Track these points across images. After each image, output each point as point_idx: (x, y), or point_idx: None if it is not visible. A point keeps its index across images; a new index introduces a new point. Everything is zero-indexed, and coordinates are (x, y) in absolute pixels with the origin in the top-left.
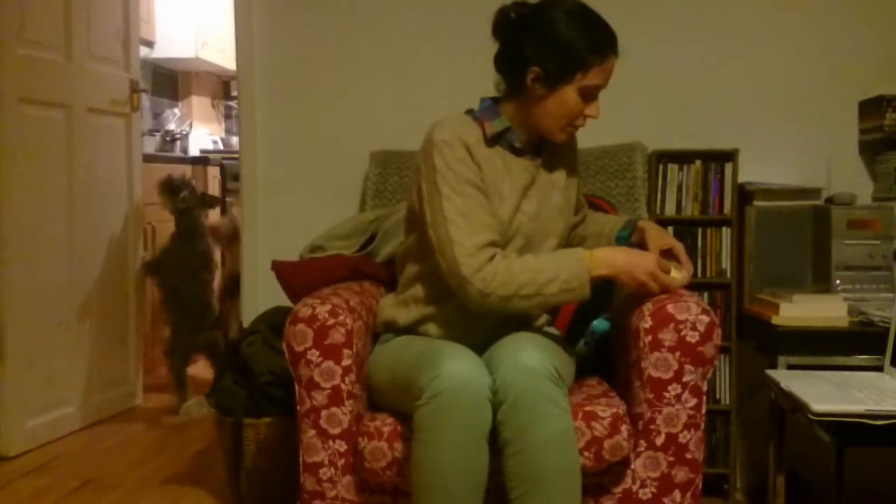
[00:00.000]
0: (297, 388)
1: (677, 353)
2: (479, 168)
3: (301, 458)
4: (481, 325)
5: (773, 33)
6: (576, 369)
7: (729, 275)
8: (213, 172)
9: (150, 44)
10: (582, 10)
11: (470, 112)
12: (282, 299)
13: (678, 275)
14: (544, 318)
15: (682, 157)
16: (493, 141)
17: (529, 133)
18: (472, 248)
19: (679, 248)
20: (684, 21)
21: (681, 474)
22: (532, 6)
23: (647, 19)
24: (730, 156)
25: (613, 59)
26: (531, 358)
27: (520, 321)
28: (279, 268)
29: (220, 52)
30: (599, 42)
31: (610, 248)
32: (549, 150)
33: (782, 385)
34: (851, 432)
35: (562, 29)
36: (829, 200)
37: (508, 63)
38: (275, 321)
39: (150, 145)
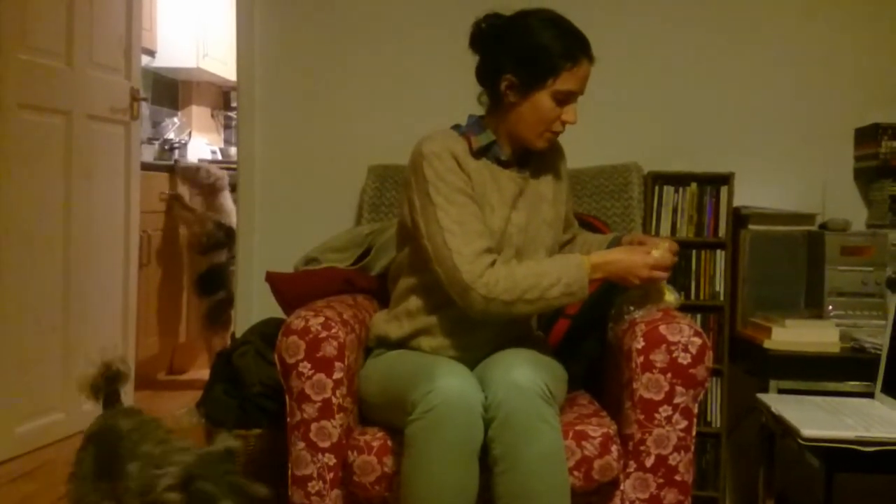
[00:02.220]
0: (287, 400)
1: (669, 375)
2: (469, 178)
3: (290, 471)
4: (474, 339)
5: (771, 59)
6: (567, 387)
7: (722, 298)
8: None
9: (151, 52)
10: (553, 17)
11: (456, 127)
12: (275, 310)
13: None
14: (538, 335)
15: (678, 180)
16: (479, 154)
17: (513, 145)
18: (471, 255)
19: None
20: (683, 45)
21: (670, 496)
22: (505, 17)
23: (646, 43)
24: (725, 179)
25: (586, 64)
26: (523, 376)
27: (513, 336)
28: (273, 279)
29: (222, 63)
30: (569, 47)
31: (606, 252)
32: (537, 164)
33: (773, 409)
34: (841, 458)
35: (532, 36)
36: (824, 226)
37: (485, 74)
38: (267, 332)
39: (149, 154)
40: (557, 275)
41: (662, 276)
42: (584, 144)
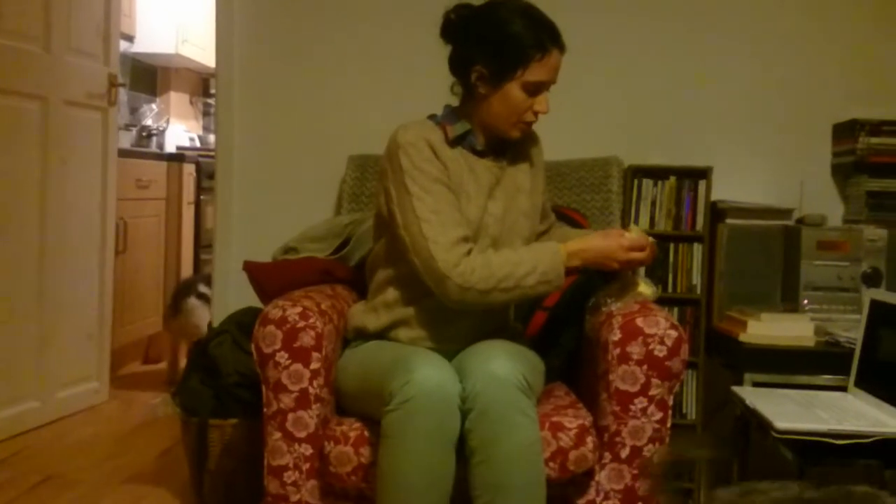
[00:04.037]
0: (264, 390)
1: (645, 367)
2: (446, 167)
3: (266, 461)
4: (452, 330)
5: (751, 55)
6: (545, 378)
7: (699, 291)
8: (189, 170)
9: (130, 38)
10: (521, 7)
11: (432, 117)
12: (252, 300)
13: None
14: (515, 326)
15: (657, 173)
16: (455, 143)
17: (488, 135)
18: (447, 243)
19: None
20: (663, 40)
21: (644, 487)
22: (474, 7)
23: (626, 37)
24: (704, 173)
25: (557, 54)
26: (501, 367)
27: (491, 328)
28: (251, 268)
29: (201, 49)
30: (538, 37)
31: (582, 239)
32: (513, 154)
33: (747, 402)
34: (814, 451)
35: (500, 27)
36: (800, 221)
37: (457, 65)
38: (244, 322)
39: (126, 140)
40: (533, 263)
41: (640, 256)
42: (565, 137)
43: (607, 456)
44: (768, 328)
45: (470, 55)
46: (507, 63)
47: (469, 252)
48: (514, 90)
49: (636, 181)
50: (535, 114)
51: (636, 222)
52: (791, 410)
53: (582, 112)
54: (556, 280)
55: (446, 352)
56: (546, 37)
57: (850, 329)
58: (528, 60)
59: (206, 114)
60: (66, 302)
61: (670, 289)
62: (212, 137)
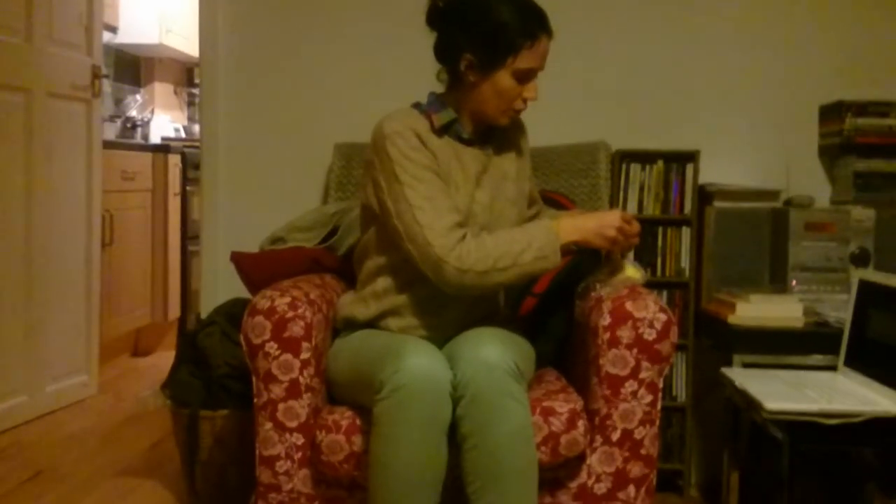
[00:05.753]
0: (254, 380)
1: (634, 351)
2: (434, 156)
3: (257, 451)
4: (442, 319)
5: (737, 37)
6: (535, 364)
7: (687, 274)
8: (175, 161)
9: (113, 29)
10: None
11: (417, 106)
12: (241, 291)
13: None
14: (506, 313)
15: (645, 157)
16: (441, 132)
17: (475, 123)
18: (442, 229)
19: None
20: (649, 23)
21: (635, 469)
22: None
23: (612, 20)
24: (691, 157)
25: (546, 40)
26: (492, 353)
27: (481, 316)
28: (238, 259)
29: (185, 38)
30: (528, 24)
31: (574, 214)
32: (499, 141)
33: (737, 383)
34: (804, 431)
35: (489, 14)
36: (788, 203)
37: (444, 52)
38: (233, 313)
39: (111, 132)
40: (528, 240)
41: (635, 229)
42: (553, 123)
43: (598, 439)
44: (757, 310)
45: (458, 43)
46: (497, 52)
47: (464, 237)
48: (504, 78)
49: (624, 165)
50: (525, 101)
51: (625, 208)
52: (781, 391)
53: (569, 97)
54: (553, 256)
55: (437, 339)
56: (535, 24)
57: (839, 309)
58: (518, 49)
59: (190, 104)
60: (53, 295)
61: (659, 272)
62: (197, 128)
